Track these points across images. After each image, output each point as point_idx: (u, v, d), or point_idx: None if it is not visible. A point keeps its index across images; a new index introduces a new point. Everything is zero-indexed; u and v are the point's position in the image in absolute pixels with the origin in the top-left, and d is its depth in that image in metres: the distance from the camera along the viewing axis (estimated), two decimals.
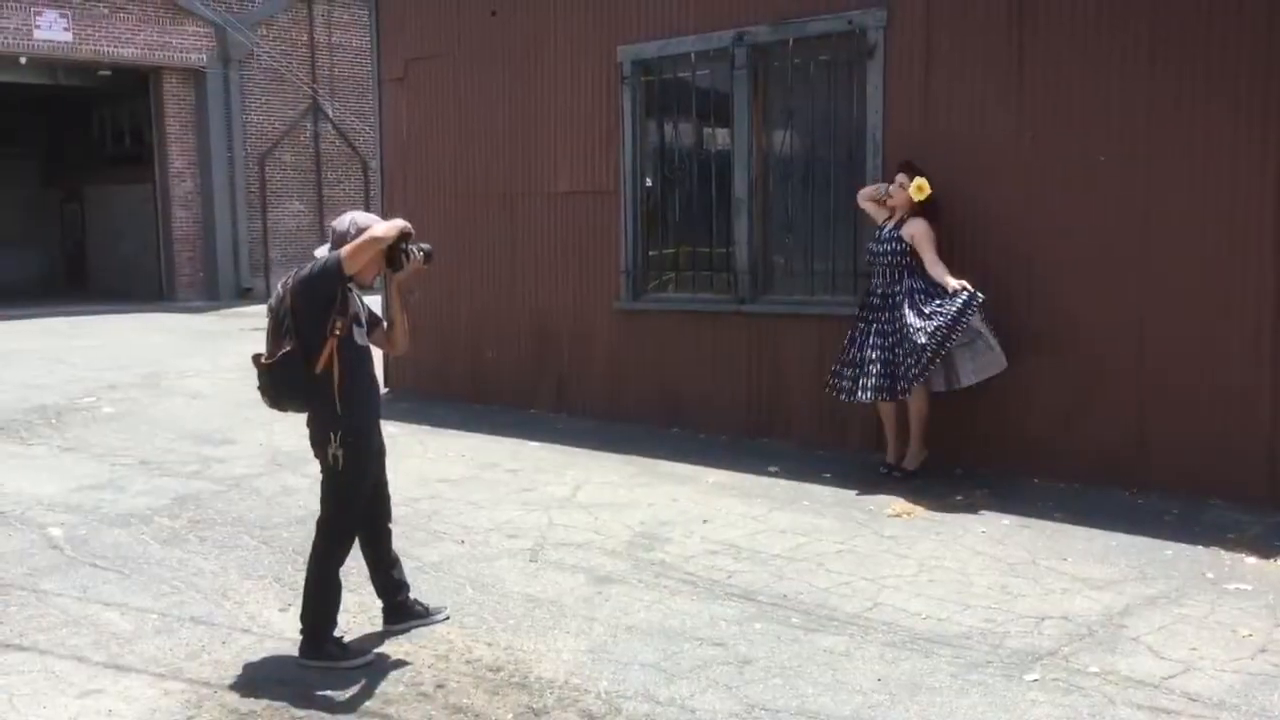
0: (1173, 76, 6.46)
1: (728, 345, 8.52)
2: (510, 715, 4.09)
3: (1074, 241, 6.85)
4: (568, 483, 7.43)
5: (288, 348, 4.43)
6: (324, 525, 4.65)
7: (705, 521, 6.47)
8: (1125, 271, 6.69)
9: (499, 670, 4.48)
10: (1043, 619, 4.83)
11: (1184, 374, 6.52)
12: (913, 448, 7.19)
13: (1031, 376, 7.01)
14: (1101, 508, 6.42)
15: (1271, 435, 6.26)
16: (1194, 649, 4.48)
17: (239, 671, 4.52)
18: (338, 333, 4.46)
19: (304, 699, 4.26)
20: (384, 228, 4.47)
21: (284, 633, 4.88)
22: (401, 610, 4.87)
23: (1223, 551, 5.65)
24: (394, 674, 4.48)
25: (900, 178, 7.06)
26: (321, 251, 4.58)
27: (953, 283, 6.73)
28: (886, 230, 7.16)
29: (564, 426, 9.26)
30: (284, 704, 4.22)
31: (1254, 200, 6.25)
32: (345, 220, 4.61)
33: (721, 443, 8.45)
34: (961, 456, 7.33)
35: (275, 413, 4.81)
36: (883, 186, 7.26)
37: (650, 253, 9.05)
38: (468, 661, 4.58)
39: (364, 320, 4.68)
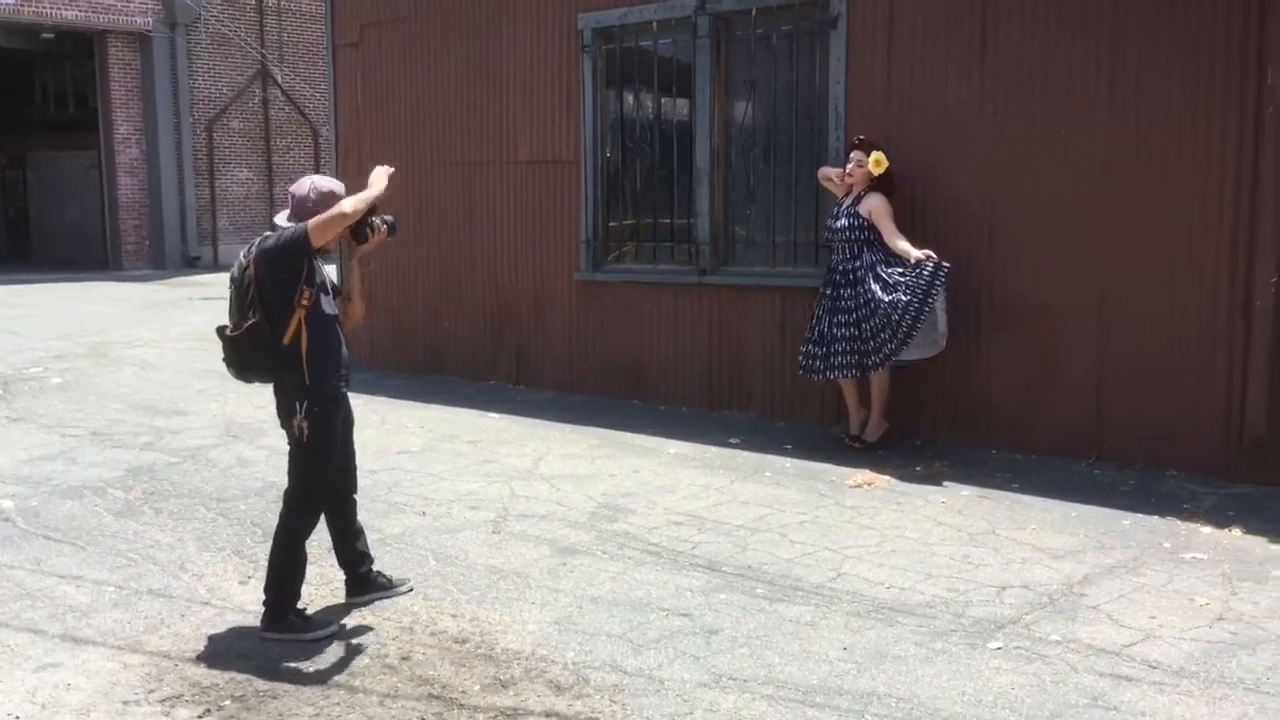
0: (1134, 46, 6.49)
1: (688, 317, 8.51)
2: (478, 686, 4.07)
3: (1035, 214, 6.89)
4: (529, 454, 7.39)
5: (254, 319, 4.35)
6: (291, 497, 4.58)
7: (668, 492, 6.47)
8: (1086, 244, 6.73)
9: (464, 642, 4.45)
10: (1004, 588, 4.88)
11: (1143, 347, 6.58)
12: (874, 419, 7.23)
13: (992, 348, 7.07)
14: (1060, 479, 6.50)
15: (1227, 408, 6.34)
16: (1153, 617, 4.55)
17: (200, 644, 4.46)
18: (305, 304, 4.39)
19: (268, 672, 4.21)
20: (352, 203, 4.39)
21: (245, 605, 4.82)
22: (365, 582, 4.82)
23: (1179, 521, 5.73)
24: (358, 646, 4.44)
25: (857, 154, 7.06)
26: (281, 219, 4.50)
27: (916, 253, 6.75)
28: (844, 206, 7.17)
29: (524, 398, 9.22)
30: (247, 677, 4.17)
31: (1215, 174, 6.29)
32: (305, 185, 4.53)
33: (682, 414, 8.45)
34: (921, 428, 7.38)
35: (227, 383, 4.74)
36: (834, 171, 7.29)
37: (611, 223, 9.00)
38: (433, 633, 4.54)
39: (330, 288, 4.61)
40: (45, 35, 21.69)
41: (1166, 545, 5.41)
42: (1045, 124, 6.80)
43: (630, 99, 8.83)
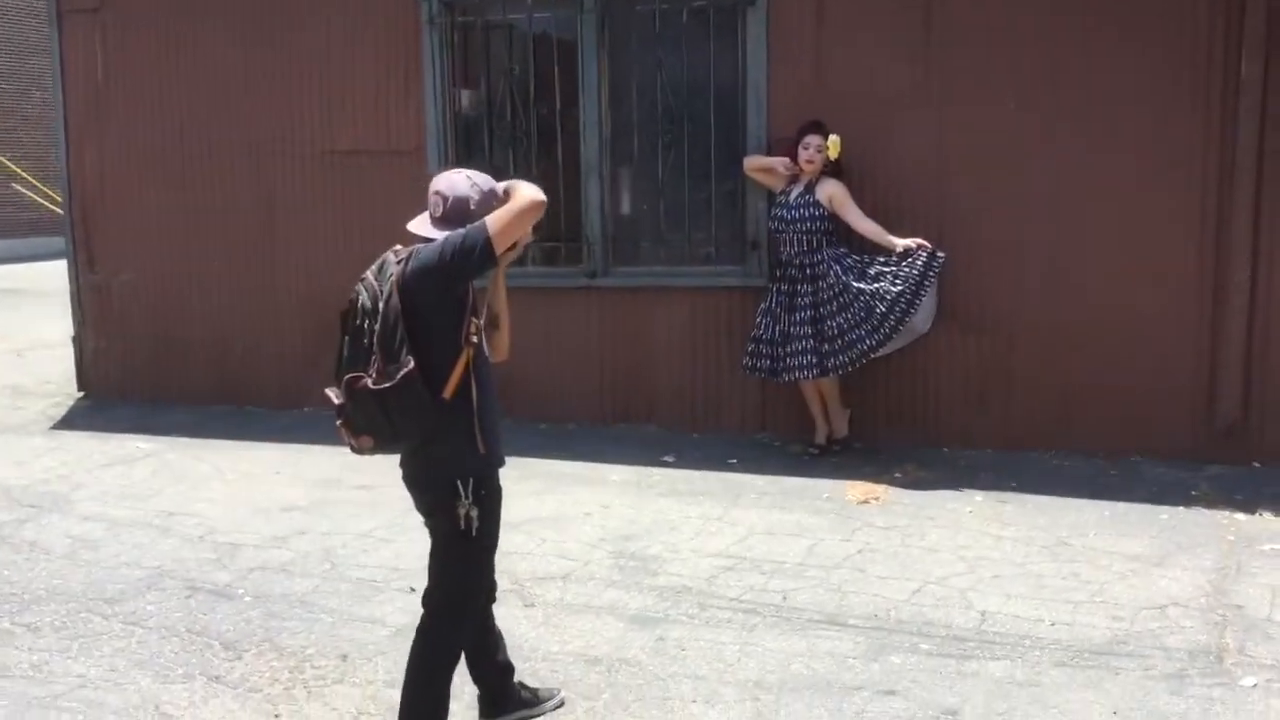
0: (1094, 28, 6.39)
1: (574, 324, 7.63)
2: None
3: (988, 205, 6.66)
4: None
5: (409, 365, 3.15)
6: (441, 607, 3.43)
7: (671, 530, 5.70)
8: (1042, 235, 6.60)
9: None
10: (1160, 607, 4.57)
11: (1108, 338, 6.54)
12: (840, 413, 6.79)
13: (942, 344, 6.79)
14: (1044, 475, 6.33)
15: (1193, 393, 6.43)
16: None
17: None
18: (474, 339, 3.27)
19: None
20: (534, 189, 3.27)
21: None
22: (506, 699, 3.74)
23: (1207, 510, 5.73)
24: None
25: (814, 139, 6.54)
26: (424, 227, 3.32)
27: (903, 242, 6.35)
28: (795, 195, 6.64)
29: None
30: None
31: (1183, 157, 6.32)
32: (460, 182, 3.33)
33: (572, 432, 7.57)
34: (860, 429, 6.99)
35: None
36: (779, 161, 6.71)
37: None
38: None
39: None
40: None
41: (1230, 538, 5.36)
42: (997, 110, 6.59)
43: (500, 81, 7.74)
